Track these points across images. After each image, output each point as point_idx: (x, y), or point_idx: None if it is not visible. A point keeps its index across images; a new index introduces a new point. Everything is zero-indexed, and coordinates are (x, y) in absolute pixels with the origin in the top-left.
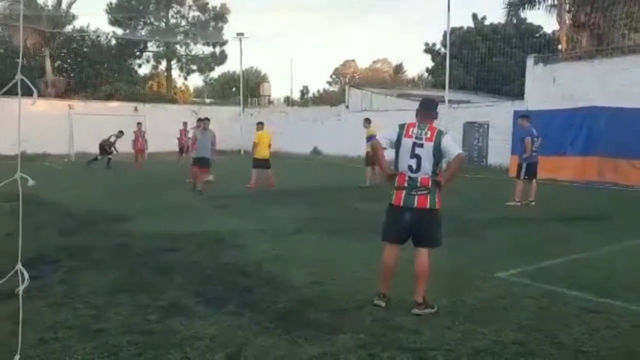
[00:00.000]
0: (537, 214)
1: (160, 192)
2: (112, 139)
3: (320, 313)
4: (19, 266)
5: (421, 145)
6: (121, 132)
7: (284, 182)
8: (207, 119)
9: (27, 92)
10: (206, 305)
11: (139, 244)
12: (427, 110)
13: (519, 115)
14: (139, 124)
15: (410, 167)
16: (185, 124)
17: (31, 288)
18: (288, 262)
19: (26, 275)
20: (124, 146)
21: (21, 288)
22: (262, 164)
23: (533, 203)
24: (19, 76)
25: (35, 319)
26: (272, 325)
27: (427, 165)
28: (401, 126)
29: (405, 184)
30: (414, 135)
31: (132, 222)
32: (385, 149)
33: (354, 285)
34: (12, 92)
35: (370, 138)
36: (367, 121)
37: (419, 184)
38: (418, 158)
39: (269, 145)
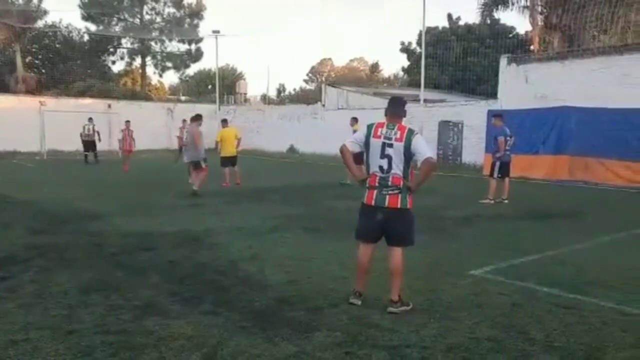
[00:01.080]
0: (510, 212)
1: (136, 190)
2: (92, 132)
3: (297, 311)
4: None
5: (391, 145)
6: (90, 119)
7: (260, 180)
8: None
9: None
10: (182, 304)
11: (113, 242)
12: (396, 109)
13: (492, 115)
14: (127, 122)
15: (381, 168)
16: (184, 121)
17: (0, 289)
18: (264, 260)
19: None
20: (108, 144)
21: None
22: (228, 161)
23: (506, 201)
24: None
25: (5, 320)
26: (248, 324)
27: (398, 165)
28: (369, 127)
29: (377, 184)
30: (382, 136)
31: (106, 220)
32: (355, 152)
33: (329, 283)
34: None
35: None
36: (353, 120)
37: (390, 184)
38: (389, 158)
39: (238, 142)
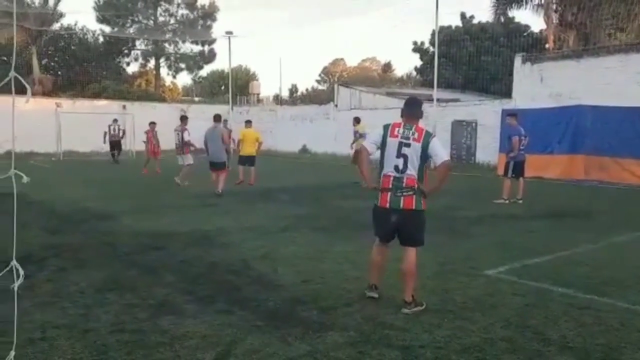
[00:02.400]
0: (524, 212)
1: (148, 190)
2: (117, 131)
3: (310, 311)
4: (14, 262)
5: (408, 145)
6: (115, 120)
7: (272, 180)
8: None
9: (18, 90)
10: (196, 303)
11: (127, 242)
12: (413, 110)
13: (507, 114)
14: (153, 123)
15: (396, 167)
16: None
17: (19, 287)
18: (276, 260)
19: (21, 272)
20: (124, 145)
21: (17, 284)
22: (246, 160)
23: (521, 201)
24: (12, 73)
25: (23, 319)
26: (262, 323)
27: (413, 165)
28: (385, 127)
29: (391, 185)
30: (400, 135)
31: (119, 220)
32: (371, 154)
33: (342, 283)
34: (1, 91)
35: (355, 134)
36: (355, 120)
37: (404, 185)
38: (405, 158)
39: (259, 144)
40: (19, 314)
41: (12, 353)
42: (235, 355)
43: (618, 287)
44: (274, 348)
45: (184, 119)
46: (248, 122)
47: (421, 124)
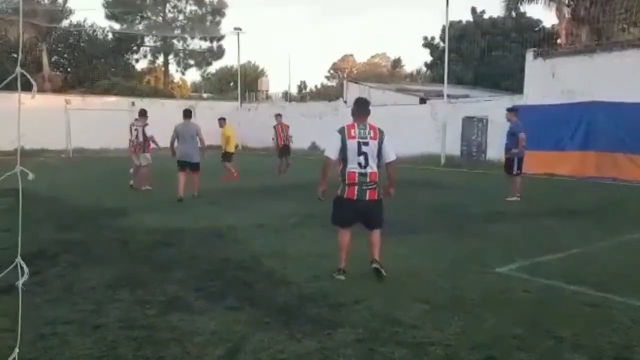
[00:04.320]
0: (535, 209)
1: (158, 187)
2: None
3: (319, 308)
4: (19, 260)
5: (367, 144)
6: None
7: (280, 177)
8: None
9: (25, 87)
10: (206, 300)
11: (137, 239)
12: (363, 109)
13: (507, 109)
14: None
15: (359, 164)
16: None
17: (29, 283)
18: (286, 257)
19: (26, 269)
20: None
21: (21, 281)
22: (231, 156)
23: (519, 198)
24: (18, 69)
25: (34, 314)
26: (271, 320)
27: (374, 160)
28: (340, 131)
29: (356, 180)
30: (357, 136)
31: (129, 217)
32: (334, 162)
33: (351, 280)
34: (8, 87)
35: None
36: None
37: (369, 180)
38: (365, 155)
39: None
40: (30, 310)
41: (17, 350)
42: (244, 352)
43: (630, 285)
44: (283, 345)
45: (143, 113)
46: (224, 120)
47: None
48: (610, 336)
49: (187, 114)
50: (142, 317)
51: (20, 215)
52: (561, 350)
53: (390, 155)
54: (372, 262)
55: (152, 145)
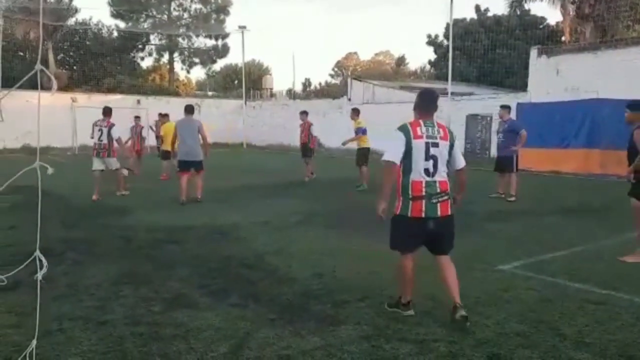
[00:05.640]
0: (539, 207)
1: (162, 185)
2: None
3: (323, 305)
4: (37, 253)
5: (436, 145)
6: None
7: (285, 175)
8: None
9: (31, 86)
10: (210, 297)
11: (142, 236)
12: (431, 104)
13: (501, 106)
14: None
15: (426, 171)
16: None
17: (35, 280)
18: (290, 254)
19: (45, 263)
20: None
21: (40, 275)
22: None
23: (503, 196)
24: (38, 66)
25: (40, 311)
26: (275, 316)
27: (444, 166)
28: (403, 129)
29: (424, 192)
30: (424, 135)
31: (133, 215)
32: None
33: (355, 277)
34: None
35: (358, 130)
36: (356, 112)
37: (439, 190)
38: (434, 159)
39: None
40: (35, 306)
41: (34, 342)
42: (249, 348)
43: (634, 283)
44: (287, 341)
45: (107, 111)
46: (167, 116)
47: (437, 118)
48: (615, 334)
49: (189, 109)
50: (147, 314)
51: (39, 210)
52: (565, 348)
53: (461, 160)
54: (456, 309)
55: (118, 148)
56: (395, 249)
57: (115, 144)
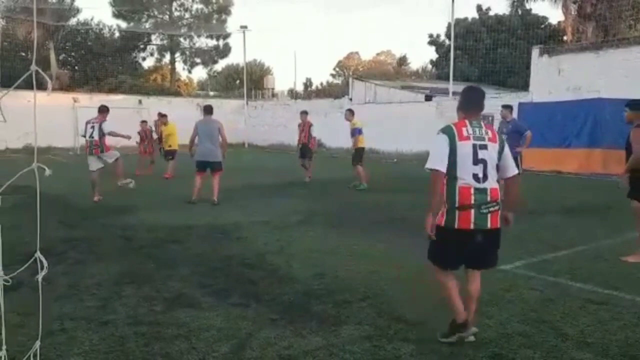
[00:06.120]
0: (540, 207)
1: (162, 185)
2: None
3: (325, 305)
4: (38, 254)
5: (485, 147)
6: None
7: (286, 175)
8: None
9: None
10: (212, 296)
11: (143, 236)
12: (478, 102)
13: (502, 106)
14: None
15: (475, 176)
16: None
17: (36, 280)
18: (291, 254)
19: (45, 263)
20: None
21: (40, 276)
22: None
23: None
24: (33, 67)
25: (42, 311)
26: (276, 316)
27: (494, 170)
28: (446, 130)
29: (472, 200)
30: (471, 136)
31: (134, 214)
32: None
33: (356, 277)
34: (18, 86)
35: (355, 131)
36: (351, 113)
37: (489, 199)
38: (483, 163)
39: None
40: (37, 306)
41: (38, 343)
42: (250, 348)
43: (636, 282)
44: (289, 341)
45: (103, 109)
46: (165, 116)
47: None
48: (617, 333)
49: (209, 109)
50: (148, 314)
51: (38, 211)
52: (567, 348)
53: (512, 167)
54: (465, 326)
55: (112, 142)
56: (434, 264)
57: (108, 140)
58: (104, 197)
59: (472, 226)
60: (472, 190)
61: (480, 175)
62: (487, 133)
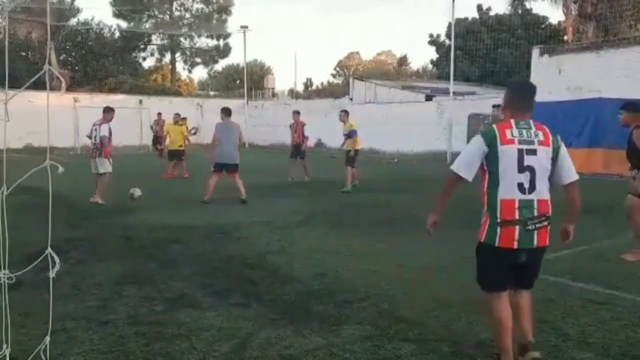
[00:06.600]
0: None
1: (165, 184)
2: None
3: (325, 305)
4: (49, 250)
5: (534, 152)
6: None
7: (285, 175)
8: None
9: (39, 86)
10: (212, 296)
11: (144, 236)
12: (526, 99)
13: (493, 105)
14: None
15: (520, 186)
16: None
17: (38, 279)
18: (292, 254)
19: (57, 259)
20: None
21: (52, 272)
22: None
23: None
24: (46, 66)
25: (43, 310)
26: (277, 316)
27: (544, 180)
28: (487, 133)
29: (517, 215)
30: (516, 139)
31: (135, 214)
32: (466, 181)
33: (357, 277)
34: (18, 86)
35: (352, 133)
36: (346, 114)
37: (537, 212)
38: (531, 171)
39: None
40: (38, 305)
41: (47, 339)
42: (251, 348)
43: (638, 282)
44: (289, 341)
45: (105, 110)
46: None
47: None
48: (618, 333)
49: (228, 112)
50: (149, 314)
51: (50, 208)
52: (568, 348)
53: (572, 172)
54: (525, 349)
55: (108, 149)
56: (483, 288)
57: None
58: (105, 203)
59: (515, 245)
60: (517, 203)
61: (527, 185)
62: (537, 135)
